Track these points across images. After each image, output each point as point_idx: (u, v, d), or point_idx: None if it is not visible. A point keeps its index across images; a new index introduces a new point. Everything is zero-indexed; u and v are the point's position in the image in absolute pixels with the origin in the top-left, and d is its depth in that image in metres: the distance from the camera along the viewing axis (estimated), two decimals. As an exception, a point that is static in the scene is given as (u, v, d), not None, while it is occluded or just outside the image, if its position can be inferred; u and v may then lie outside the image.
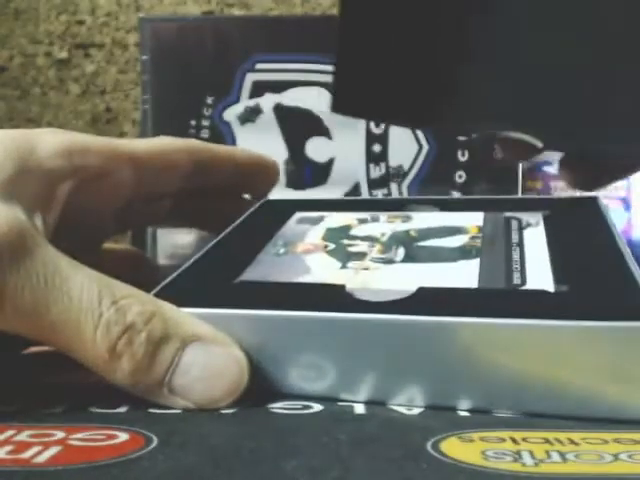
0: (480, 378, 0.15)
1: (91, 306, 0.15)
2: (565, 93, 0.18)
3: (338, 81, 0.17)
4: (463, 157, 0.45)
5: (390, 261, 0.19)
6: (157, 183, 0.21)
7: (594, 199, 0.22)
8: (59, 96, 0.75)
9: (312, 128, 0.45)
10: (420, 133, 0.45)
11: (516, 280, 0.17)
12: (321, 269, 0.19)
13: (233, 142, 0.45)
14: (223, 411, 0.16)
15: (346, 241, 0.21)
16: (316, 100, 0.45)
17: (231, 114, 0.45)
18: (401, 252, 0.19)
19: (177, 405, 0.16)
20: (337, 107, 0.18)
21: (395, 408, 0.16)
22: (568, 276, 0.16)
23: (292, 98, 0.45)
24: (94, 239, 0.23)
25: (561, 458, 0.13)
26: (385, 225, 0.22)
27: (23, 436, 0.14)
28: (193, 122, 0.45)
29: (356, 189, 0.45)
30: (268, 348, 0.16)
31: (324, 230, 0.22)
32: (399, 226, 0.22)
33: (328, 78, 0.44)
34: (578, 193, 0.25)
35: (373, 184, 0.45)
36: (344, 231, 0.22)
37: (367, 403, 0.16)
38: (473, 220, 0.21)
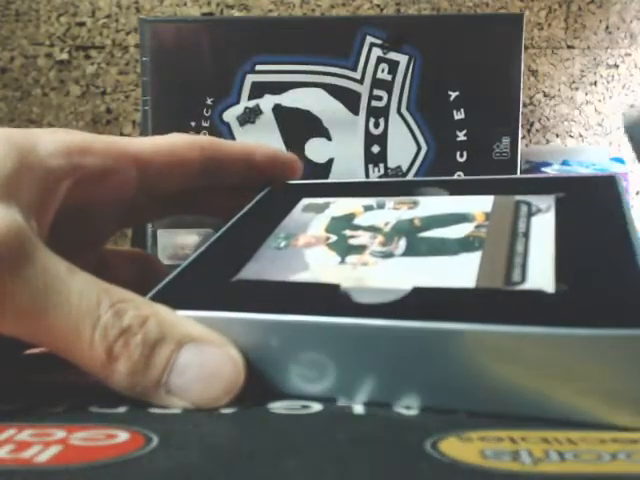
0: (473, 383, 0.15)
1: (89, 310, 0.15)
2: None
3: None
4: (462, 158, 0.45)
5: (390, 255, 0.19)
6: (163, 182, 0.21)
7: (612, 178, 0.21)
8: (60, 97, 0.75)
9: (311, 129, 0.45)
10: (419, 134, 0.45)
11: (516, 277, 0.16)
12: (319, 265, 0.19)
13: (233, 143, 0.45)
14: (223, 411, 0.16)
15: (349, 232, 0.21)
16: (315, 101, 0.45)
17: (231, 115, 0.45)
18: (402, 244, 0.19)
19: (175, 405, 0.16)
20: None
21: (394, 408, 0.16)
22: (571, 274, 0.16)
23: (292, 99, 0.45)
24: (96, 238, 0.23)
25: (559, 457, 0.13)
26: (391, 213, 0.22)
27: (24, 435, 0.14)
28: (193, 123, 0.45)
29: (356, 190, 0.45)
30: (263, 350, 0.16)
31: (328, 220, 0.22)
32: (404, 214, 0.21)
33: (328, 79, 0.45)
34: None
35: (373, 185, 0.46)
36: (348, 220, 0.22)
37: (364, 404, 0.16)
38: (481, 206, 0.21)
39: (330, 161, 0.45)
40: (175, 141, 0.21)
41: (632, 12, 0.79)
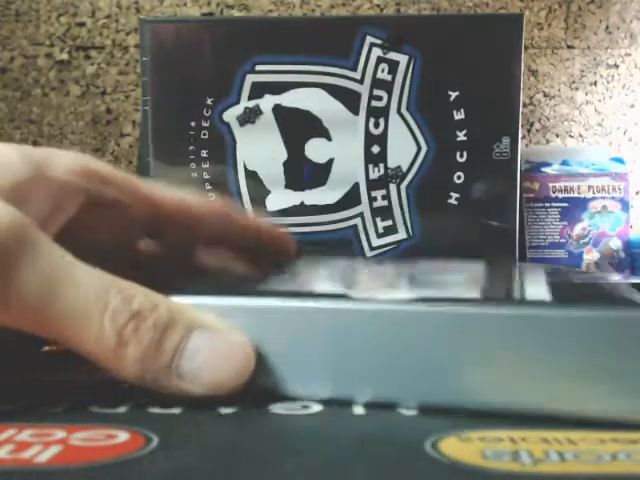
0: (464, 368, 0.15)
1: (97, 296, 0.15)
2: None
3: None
4: (462, 158, 0.45)
5: (394, 285, 0.19)
6: (172, 230, 0.21)
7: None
8: (60, 97, 0.75)
9: (311, 129, 0.45)
10: (419, 134, 0.45)
11: (516, 297, 0.17)
12: (325, 286, 0.19)
13: (233, 143, 0.45)
14: (223, 411, 0.16)
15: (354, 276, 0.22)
16: (315, 101, 0.45)
17: (231, 115, 0.45)
18: (404, 281, 0.20)
19: (186, 391, 0.16)
20: None
21: (394, 408, 0.16)
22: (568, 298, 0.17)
23: (292, 99, 0.45)
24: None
25: (559, 458, 0.13)
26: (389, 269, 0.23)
27: (24, 436, 0.14)
28: (193, 123, 0.45)
29: (355, 190, 0.45)
30: (265, 338, 0.16)
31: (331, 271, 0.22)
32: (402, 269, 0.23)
33: (328, 79, 0.45)
34: None
35: (372, 185, 0.46)
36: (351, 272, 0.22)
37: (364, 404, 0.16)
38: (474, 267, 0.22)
39: (330, 161, 0.45)
40: (192, 200, 0.21)
41: (632, 12, 0.79)
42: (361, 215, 0.46)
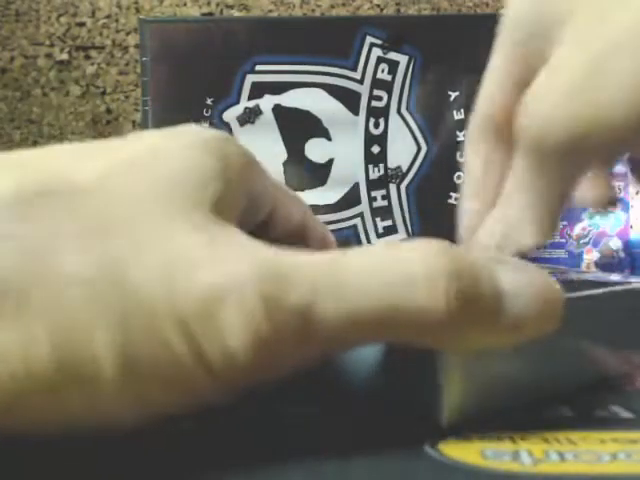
0: None
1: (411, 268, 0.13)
2: None
3: None
4: (462, 158, 0.45)
5: None
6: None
7: None
8: (60, 97, 0.75)
9: (311, 129, 0.45)
10: (419, 134, 0.45)
11: None
12: None
13: (233, 143, 0.45)
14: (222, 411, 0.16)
15: None
16: (315, 101, 0.45)
17: (231, 115, 0.45)
18: None
19: (510, 338, 0.13)
20: None
21: (394, 408, 0.16)
22: None
23: (291, 99, 0.45)
24: None
25: (559, 458, 0.13)
26: None
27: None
28: (193, 123, 0.45)
29: (355, 190, 0.46)
30: None
31: None
32: None
33: (328, 79, 0.45)
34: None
35: (372, 185, 0.46)
36: None
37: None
38: None
39: (330, 161, 0.45)
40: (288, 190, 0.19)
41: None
42: (361, 215, 0.46)
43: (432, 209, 0.46)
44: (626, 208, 0.60)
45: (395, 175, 0.45)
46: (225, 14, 0.74)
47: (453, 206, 0.45)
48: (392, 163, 0.45)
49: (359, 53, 0.44)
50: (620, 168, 0.65)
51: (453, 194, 0.45)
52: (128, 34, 0.76)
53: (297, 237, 0.19)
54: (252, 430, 0.15)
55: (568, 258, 0.58)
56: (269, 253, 0.13)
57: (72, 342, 0.11)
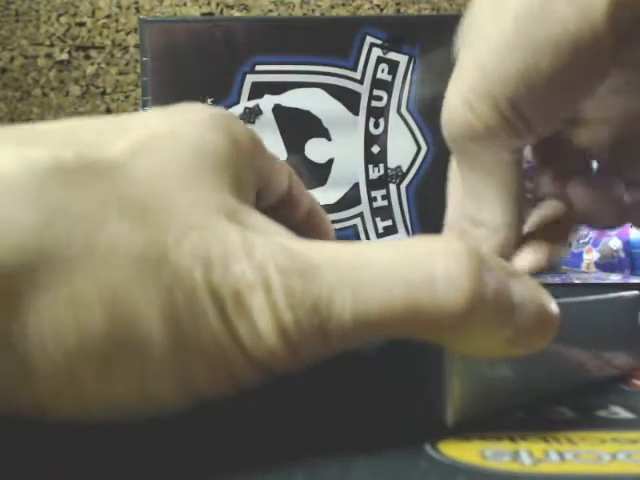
0: None
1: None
2: None
3: None
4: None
5: None
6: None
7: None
8: (60, 97, 0.75)
9: (311, 129, 0.45)
10: (419, 134, 0.45)
11: None
12: None
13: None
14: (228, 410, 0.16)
15: None
16: (315, 101, 0.45)
17: (231, 115, 0.45)
18: None
19: (504, 351, 0.13)
20: None
21: (395, 408, 0.16)
22: None
23: (291, 99, 0.45)
24: None
25: (559, 458, 0.13)
26: None
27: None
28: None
29: (355, 190, 0.45)
30: None
31: None
32: None
33: (327, 79, 0.45)
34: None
35: (372, 185, 0.46)
36: None
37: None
38: None
39: (330, 161, 0.45)
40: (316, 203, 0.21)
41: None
42: (361, 215, 0.46)
43: (432, 209, 0.45)
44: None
45: (395, 175, 0.45)
46: (225, 14, 0.74)
47: (453, 206, 0.45)
48: (392, 163, 0.45)
49: (359, 53, 0.44)
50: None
51: (453, 194, 0.45)
52: (128, 34, 0.76)
53: (285, 203, 0.20)
54: (252, 429, 0.15)
55: (568, 258, 0.58)
56: (293, 244, 0.13)
57: (125, 313, 0.11)
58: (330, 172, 0.45)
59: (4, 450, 0.12)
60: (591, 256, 0.58)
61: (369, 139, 0.45)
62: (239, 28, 0.45)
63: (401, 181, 0.45)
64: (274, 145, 0.45)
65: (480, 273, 0.13)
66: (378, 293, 0.12)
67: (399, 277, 0.13)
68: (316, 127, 0.45)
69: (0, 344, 0.11)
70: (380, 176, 0.45)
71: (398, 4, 0.75)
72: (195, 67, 0.45)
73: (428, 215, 0.45)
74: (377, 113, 0.45)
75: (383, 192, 0.46)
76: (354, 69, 0.44)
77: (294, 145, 0.45)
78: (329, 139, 0.45)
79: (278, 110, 0.45)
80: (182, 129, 0.14)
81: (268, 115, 0.45)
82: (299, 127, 0.45)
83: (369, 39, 0.44)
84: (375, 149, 0.45)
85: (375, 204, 0.46)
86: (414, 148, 0.45)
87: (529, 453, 0.13)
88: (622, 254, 0.58)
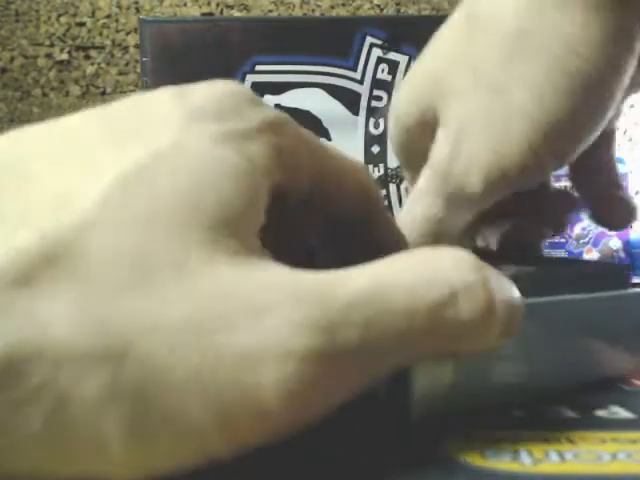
0: None
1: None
2: None
3: None
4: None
5: None
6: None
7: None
8: (60, 97, 0.75)
9: (311, 129, 0.45)
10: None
11: None
12: None
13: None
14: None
15: None
16: (315, 101, 0.45)
17: (231, 115, 0.45)
18: None
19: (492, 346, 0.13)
20: None
21: (395, 408, 0.16)
22: None
23: (291, 99, 0.45)
24: None
25: (559, 457, 0.13)
26: None
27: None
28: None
29: (356, 190, 0.46)
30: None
31: None
32: None
33: (327, 79, 0.45)
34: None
35: (373, 185, 0.46)
36: None
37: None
38: None
39: (330, 161, 0.45)
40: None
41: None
42: (361, 215, 0.46)
43: (432, 209, 0.45)
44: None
45: (395, 175, 0.45)
46: (225, 14, 0.74)
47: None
48: (392, 163, 0.45)
49: (359, 53, 0.44)
50: (620, 168, 0.64)
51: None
52: (128, 34, 0.76)
53: (360, 221, 0.17)
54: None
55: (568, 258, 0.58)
56: (305, 296, 0.11)
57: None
58: (330, 172, 0.45)
59: None
60: (591, 256, 0.58)
61: (369, 139, 0.45)
62: (239, 28, 0.45)
63: (401, 181, 0.45)
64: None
65: (490, 281, 0.13)
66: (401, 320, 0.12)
67: (423, 300, 0.12)
68: (316, 127, 0.45)
69: None
70: (380, 176, 0.45)
71: (398, 4, 0.75)
72: (195, 67, 0.45)
73: (428, 215, 0.46)
74: (377, 113, 0.45)
75: (383, 192, 0.45)
76: (354, 69, 0.44)
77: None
78: (329, 139, 0.45)
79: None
80: (177, 153, 0.12)
81: (268, 115, 0.45)
82: (299, 127, 0.45)
83: (369, 39, 0.44)
84: (375, 149, 0.45)
85: (375, 204, 0.46)
86: (414, 148, 0.45)
87: (529, 453, 0.13)
88: (622, 254, 0.58)
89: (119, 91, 0.76)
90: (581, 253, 0.58)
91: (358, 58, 0.44)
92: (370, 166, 0.45)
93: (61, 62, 0.76)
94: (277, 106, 0.45)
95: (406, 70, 0.45)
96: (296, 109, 0.45)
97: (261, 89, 0.45)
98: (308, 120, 0.45)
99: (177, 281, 0.11)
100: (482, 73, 0.22)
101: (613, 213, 0.27)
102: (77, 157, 0.12)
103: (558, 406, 0.16)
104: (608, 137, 0.27)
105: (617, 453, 0.13)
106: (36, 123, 0.14)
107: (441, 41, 0.25)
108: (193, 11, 0.75)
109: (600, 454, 0.13)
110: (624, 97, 0.23)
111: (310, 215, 0.17)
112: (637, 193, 0.82)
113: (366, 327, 0.11)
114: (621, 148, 0.80)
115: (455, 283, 0.12)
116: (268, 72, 0.45)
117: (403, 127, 0.25)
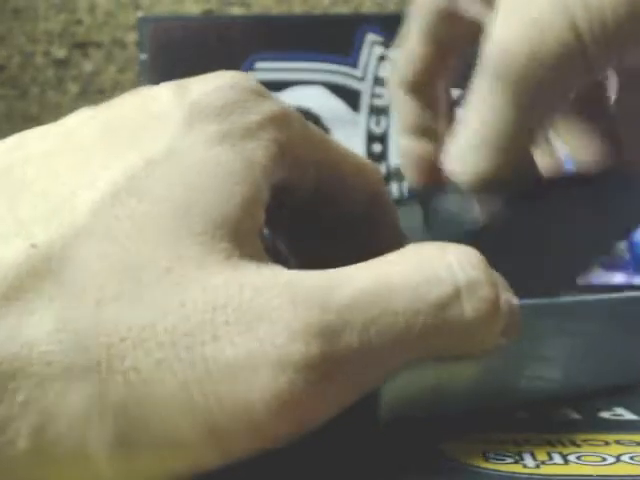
0: None
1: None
2: None
3: None
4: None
5: None
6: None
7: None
8: (58, 95, 0.75)
9: (312, 127, 0.45)
10: (420, 132, 0.45)
11: None
12: None
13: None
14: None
15: None
16: (316, 99, 0.45)
17: (231, 113, 0.45)
18: None
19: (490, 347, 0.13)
20: None
21: (395, 409, 0.16)
22: None
23: (292, 97, 0.45)
24: None
25: (563, 460, 0.13)
26: None
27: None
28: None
29: (356, 188, 0.45)
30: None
31: None
32: None
33: (328, 77, 0.44)
34: None
35: (373, 183, 0.45)
36: None
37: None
38: None
39: (330, 159, 0.45)
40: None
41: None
42: (361, 214, 0.46)
43: (432, 208, 0.45)
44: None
45: (397, 174, 0.45)
46: (225, 11, 0.74)
47: (453, 205, 0.45)
48: (393, 162, 0.45)
49: (360, 51, 0.44)
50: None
51: (453, 193, 0.45)
52: (127, 32, 0.75)
53: (363, 220, 0.17)
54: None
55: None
56: (302, 299, 0.11)
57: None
58: (330, 170, 0.45)
59: None
60: (592, 255, 0.58)
61: (370, 137, 0.45)
62: (239, 26, 0.45)
63: (403, 180, 0.45)
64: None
65: (492, 279, 0.13)
66: (403, 324, 0.12)
67: (426, 301, 0.12)
68: (317, 125, 0.45)
69: None
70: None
71: (399, 1, 0.75)
72: (194, 65, 0.44)
73: (428, 214, 0.45)
74: (378, 111, 0.45)
75: (383, 190, 0.45)
76: (355, 67, 0.44)
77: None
78: (329, 137, 0.45)
79: (278, 108, 0.45)
80: (171, 159, 0.12)
81: (268, 113, 0.45)
82: (299, 125, 0.45)
83: (370, 37, 0.44)
84: (376, 147, 0.45)
85: (375, 202, 0.46)
86: (415, 146, 0.45)
87: (532, 455, 0.13)
88: (625, 254, 0.58)
89: (118, 89, 0.76)
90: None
91: (359, 56, 0.44)
92: (370, 164, 0.45)
93: (59, 60, 0.76)
94: (277, 104, 0.45)
95: (407, 68, 0.44)
96: (297, 107, 0.45)
97: (261, 87, 0.45)
98: (309, 118, 0.45)
99: (164, 291, 0.11)
100: None
101: None
102: (72, 163, 0.12)
103: (561, 408, 0.16)
104: None
105: (621, 455, 0.13)
106: (34, 121, 0.14)
107: None
108: (192, 9, 0.74)
109: (604, 456, 0.13)
110: None
111: (312, 213, 0.16)
112: None
113: (366, 329, 0.11)
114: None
115: (459, 281, 0.12)
116: (268, 70, 0.45)
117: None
